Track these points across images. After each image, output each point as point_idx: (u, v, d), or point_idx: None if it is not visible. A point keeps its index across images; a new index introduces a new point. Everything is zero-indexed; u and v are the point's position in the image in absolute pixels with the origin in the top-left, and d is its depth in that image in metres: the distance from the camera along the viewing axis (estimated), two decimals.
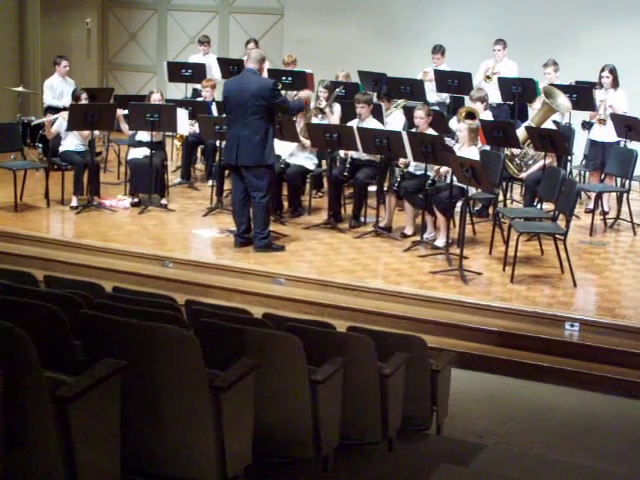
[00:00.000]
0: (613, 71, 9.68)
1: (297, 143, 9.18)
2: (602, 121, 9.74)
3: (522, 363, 6.52)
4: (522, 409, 6.01)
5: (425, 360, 4.93)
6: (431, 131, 8.68)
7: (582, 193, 10.11)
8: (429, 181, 8.30)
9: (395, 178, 8.81)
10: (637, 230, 9.25)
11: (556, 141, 8.70)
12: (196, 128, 10.05)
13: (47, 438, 2.88)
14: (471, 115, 9.22)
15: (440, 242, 8.29)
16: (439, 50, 11.35)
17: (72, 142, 9.58)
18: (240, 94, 7.81)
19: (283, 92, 10.57)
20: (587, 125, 10.29)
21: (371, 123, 8.94)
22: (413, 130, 8.84)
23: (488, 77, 10.87)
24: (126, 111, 9.58)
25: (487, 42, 11.11)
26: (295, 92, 10.06)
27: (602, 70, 9.74)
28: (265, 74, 9.53)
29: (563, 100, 9.52)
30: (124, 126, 9.73)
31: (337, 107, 9.90)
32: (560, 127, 9.76)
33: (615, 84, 9.71)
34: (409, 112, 9.35)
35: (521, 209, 9.13)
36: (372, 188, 9.29)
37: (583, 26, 11.78)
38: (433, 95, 11.21)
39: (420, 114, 8.69)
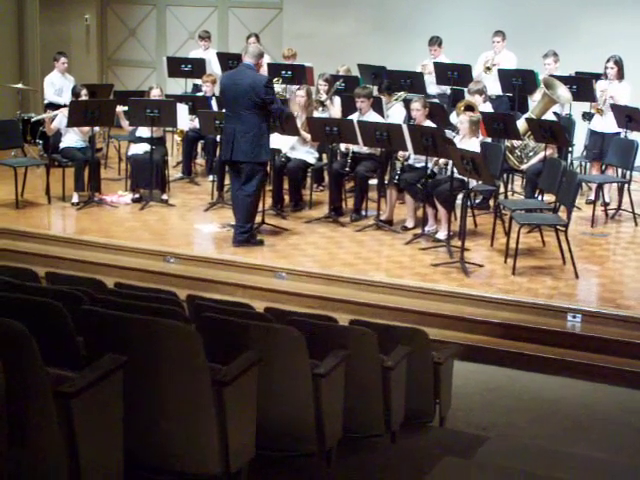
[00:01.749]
0: (618, 62, 9.61)
1: (298, 137, 9.17)
2: (600, 111, 9.71)
3: (524, 355, 6.52)
4: (525, 401, 6.02)
5: (427, 353, 4.93)
6: (429, 123, 8.68)
7: (583, 184, 10.10)
8: (428, 172, 8.30)
9: (395, 171, 8.81)
10: (638, 221, 9.24)
11: (556, 132, 8.69)
12: (196, 123, 10.04)
13: (50, 434, 2.88)
14: (470, 108, 9.21)
15: (441, 235, 8.29)
16: (436, 42, 11.25)
17: (72, 138, 9.57)
18: (234, 88, 7.80)
19: (283, 86, 10.61)
20: (587, 116, 10.27)
21: (371, 117, 8.93)
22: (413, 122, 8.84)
23: (488, 68, 10.83)
24: (126, 107, 9.57)
25: (486, 34, 11.07)
26: (297, 86, 10.02)
27: (607, 61, 9.68)
28: (265, 69, 9.52)
29: (563, 91, 9.51)
30: (124, 122, 9.74)
31: (337, 100, 9.90)
32: (560, 118, 9.74)
33: (620, 76, 9.64)
34: (409, 105, 9.34)
35: (522, 201, 9.13)
36: (373, 181, 9.29)
37: (583, 17, 11.75)
38: (434, 87, 11.17)
39: (417, 106, 8.68)
